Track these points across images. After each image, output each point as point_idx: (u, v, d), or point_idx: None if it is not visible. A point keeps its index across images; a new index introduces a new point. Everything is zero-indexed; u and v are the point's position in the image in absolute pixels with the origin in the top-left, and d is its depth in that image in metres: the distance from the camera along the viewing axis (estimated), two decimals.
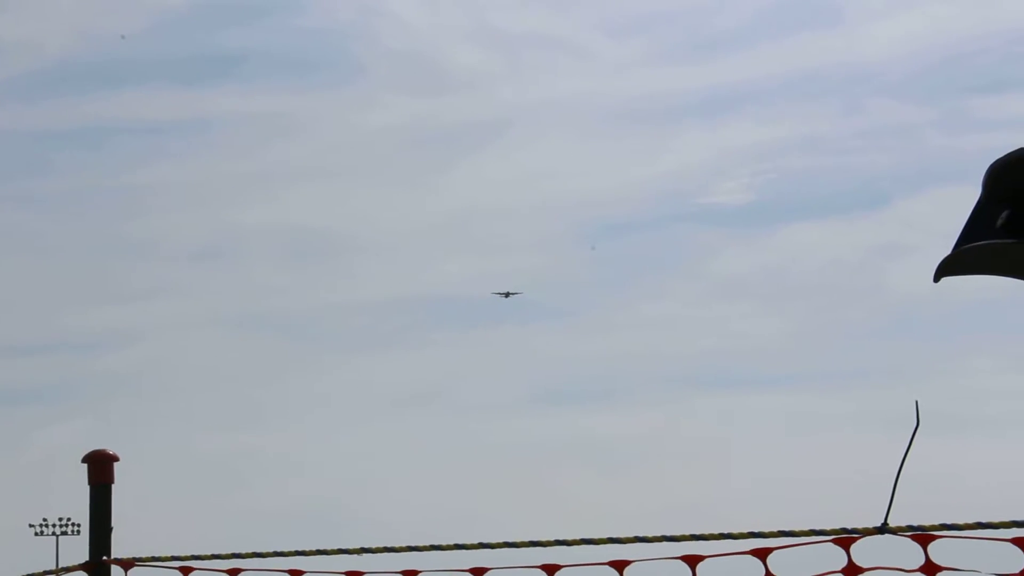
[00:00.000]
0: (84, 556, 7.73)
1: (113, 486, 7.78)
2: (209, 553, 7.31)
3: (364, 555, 6.91)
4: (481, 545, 6.60)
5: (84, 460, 7.83)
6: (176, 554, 7.40)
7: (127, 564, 7.58)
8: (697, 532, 6.08)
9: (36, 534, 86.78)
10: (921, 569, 5.81)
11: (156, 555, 7.50)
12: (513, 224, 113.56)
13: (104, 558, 7.61)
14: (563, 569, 6.46)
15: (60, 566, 7.92)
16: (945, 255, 3.81)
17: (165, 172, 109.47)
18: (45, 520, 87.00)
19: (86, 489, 7.79)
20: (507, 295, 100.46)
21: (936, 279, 3.85)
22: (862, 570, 5.93)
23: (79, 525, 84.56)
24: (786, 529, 5.95)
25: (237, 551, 7.21)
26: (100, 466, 7.81)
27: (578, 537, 6.40)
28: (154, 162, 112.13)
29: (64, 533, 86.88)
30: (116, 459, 7.90)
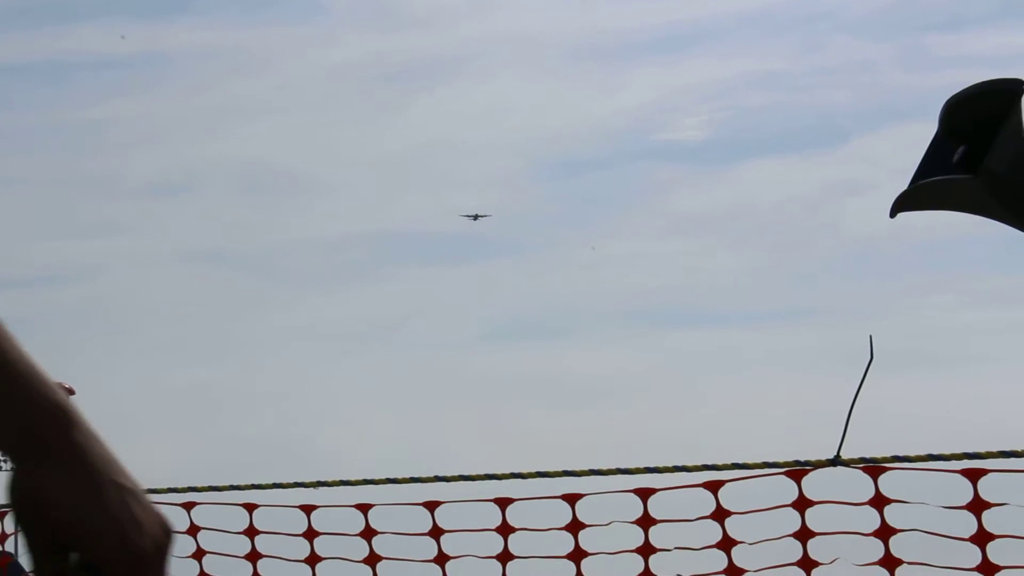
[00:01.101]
0: None
1: None
2: (165, 487, 7.33)
3: (320, 489, 6.95)
4: (437, 478, 6.64)
5: None
6: None
7: None
8: (651, 465, 6.13)
9: None
10: (871, 501, 5.87)
11: None
12: (471, 160, 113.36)
13: None
14: (516, 502, 6.50)
15: None
16: (902, 191, 3.83)
17: (123, 107, 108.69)
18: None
19: None
20: (475, 217, 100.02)
21: (892, 215, 3.87)
22: (813, 503, 5.99)
23: None
24: (739, 462, 6.00)
25: (193, 484, 7.23)
26: None
27: (533, 470, 6.45)
28: (112, 97, 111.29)
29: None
30: (72, 392, 7.88)
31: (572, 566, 6.38)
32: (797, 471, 5.98)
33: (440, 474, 6.64)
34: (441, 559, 6.64)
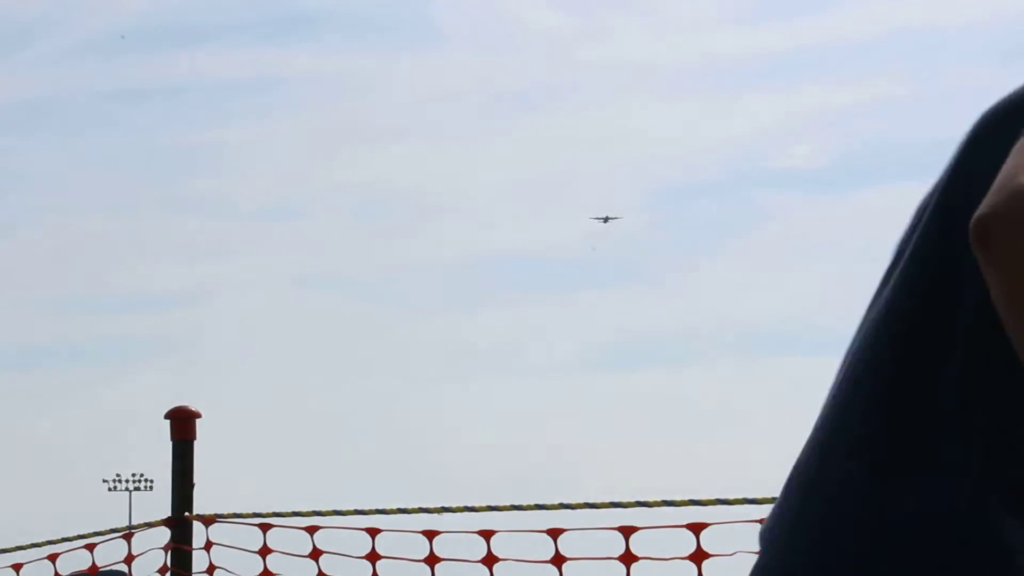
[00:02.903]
0: (157, 511, 7.81)
1: (195, 443, 7.85)
2: (290, 511, 7.38)
3: (444, 514, 6.95)
4: (561, 506, 6.62)
5: (167, 416, 7.90)
6: (257, 511, 7.46)
7: (208, 520, 7.65)
8: (776, 496, 6.05)
9: (109, 489, 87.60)
10: None
11: (237, 512, 7.57)
12: (583, 185, 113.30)
13: (186, 514, 7.68)
14: (641, 531, 6.46)
15: (133, 521, 8.00)
16: None
17: (238, 130, 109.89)
18: (119, 476, 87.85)
19: (159, 445, 7.87)
20: (606, 220, 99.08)
21: None
22: None
23: (152, 481, 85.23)
24: None
25: (317, 508, 7.27)
26: (183, 423, 7.88)
27: (659, 499, 6.40)
28: (227, 120, 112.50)
29: (137, 488, 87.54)
30: (198, 416, 7.97)
31: None
32: None
33: (565, 501, 6.63)
34: None
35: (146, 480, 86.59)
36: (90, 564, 7.92)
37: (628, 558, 6.42)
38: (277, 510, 7.43)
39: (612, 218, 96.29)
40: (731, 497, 6.22)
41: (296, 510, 7.36)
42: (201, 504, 7.77)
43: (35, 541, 8.09)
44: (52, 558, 7.98)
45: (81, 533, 7.97)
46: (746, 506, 6.19)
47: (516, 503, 6.72)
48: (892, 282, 2.02)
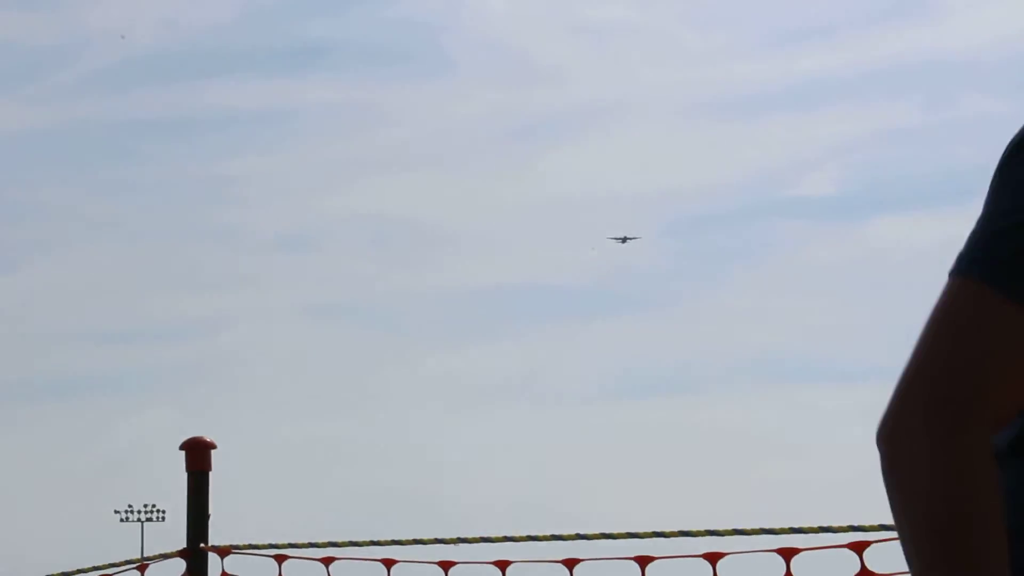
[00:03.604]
0: (170, 542, 7.80)
1: (211, 473, 7.84)
2: (305, 541, 7.36)
3: (460, 545, 6.93)
4: (578, 536, 6.59)
5: (182, 447, 7.89)
6: (273, 542, 7.45)
7: (224, 552, 7.63)
8: (796, 525, 6.04)
9: (121, 520, 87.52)
10: None
11: (253, 543, 7.55)
12: (597, 216, 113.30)
13: (201, 545, 7.67)
14: (657, 560, 6.44)
15: (146, 552, 7.99)
16: None
17: (252, 161, 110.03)
18: (130, 507, 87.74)
19: (173, 475, 7.85)
20: (624, 240, 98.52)
21: None
22: None
23: (164, 511, 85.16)
24: (887, 523, 5.88)
25: (333, 539, 7.25)
26: (198, 453, 7.87)
27: (676, 529, 6.38)
28: (241, 151, 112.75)
29: (149, 520, 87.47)
30: (213, 447, 7.96)
31: None
32: None
33: (581, 532, 6.61)
34: None
35: (158, 511, 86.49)
36: None
37: None
38: (293, 541, 7.42)
39: (630, 238, 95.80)
40: (748, 527, 6.20)
41: (312, 541, 7.34)
42: (216, 535, 7.77)
43: (50, 573, 8.08)
44: None
45: (96, 564, 7.97)
46: (763, 536, 6.17)
47: (532, 533, 6.71)
48: None
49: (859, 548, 5.93)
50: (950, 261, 1.89)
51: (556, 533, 6.66)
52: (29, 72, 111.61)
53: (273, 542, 7.46)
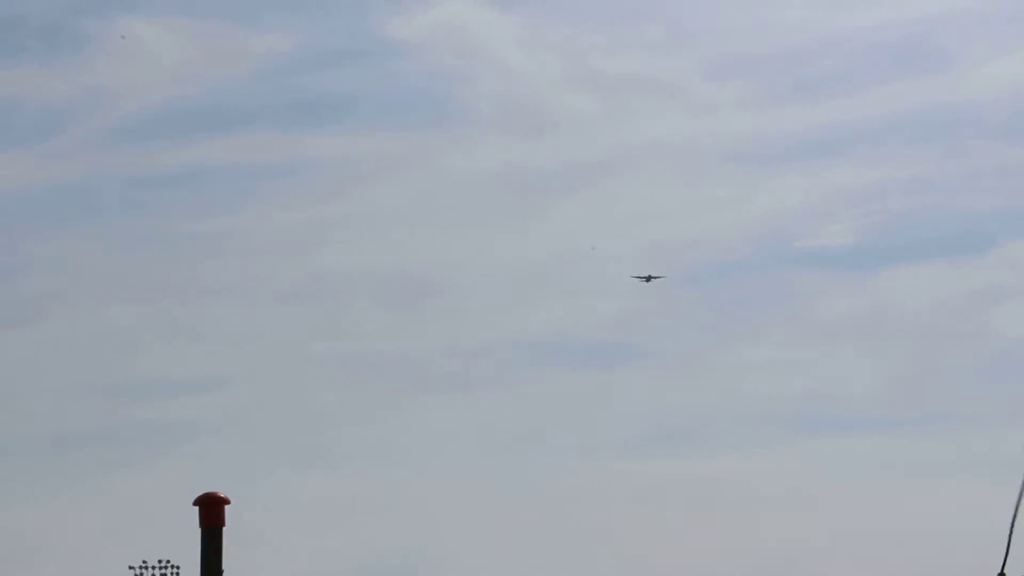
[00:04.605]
0: None
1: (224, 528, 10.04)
2: None
3: None
4: None
5: (196, 503, 10.14)
6: None
7: None
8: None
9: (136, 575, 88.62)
10: None
11: None
12: (612, 266, 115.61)
13: None
14: None
15: None
16: None
17: (260, 214, 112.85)
18: (145, 562, 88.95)
19: (187, 530, 10.13)
20: (648, 279, 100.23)
21: None
22: None
23: (178, 567, 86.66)
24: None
25: None
26: (212, 509, 9.98)
27: None
28: (250, 204, 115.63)
29: (164, 575, 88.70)
30: (227, 502, 10.28)
31: None
32: None
33: None
34: None
35: (172, 566, 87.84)
36: None
37: None
38: None
39: (655, 277, 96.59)
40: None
41: None
42: None
43: None
44: None
45: None
46: None
47: None
48: None
49: None
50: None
51: None
52: (43, 128, 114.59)
53: None
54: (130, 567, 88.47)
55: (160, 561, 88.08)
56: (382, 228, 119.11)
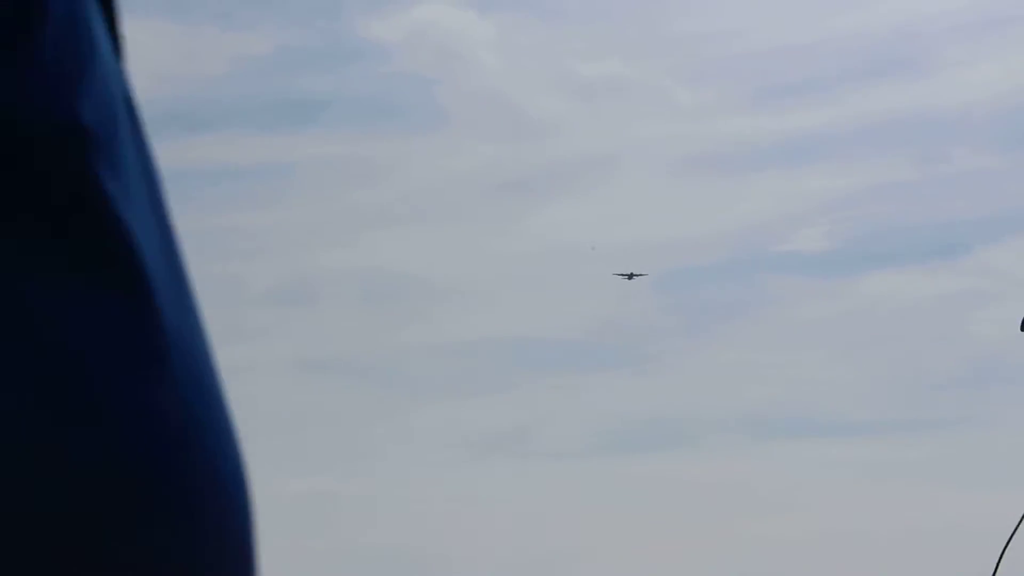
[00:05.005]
0: None
1: None
2: None
3: None
4: None
5: None
6: None
7: None
8: None
9: None
10: None
11: None
12: (589, 270, 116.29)
13: None
14: None
15: None
16: None
17: (243, 216, 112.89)
18: None
19: None
20: (631, 276, 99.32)
21: (1023, 328, 3.69)
22: None
23: None
24: None
25: None
26: None
27: None
28: (232, 207, 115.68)
29: None
30: None
31: None
32: None
33: None
34: None
35: None
36: None
37: None
38: None
39: (637, 275, 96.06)
40: None
41: None
42: None
43: None
44: None
45: None
46: None
47: None
48: None
49: None
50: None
51: None
52: None
53: None
54: None
55: None
56: (361, 230, 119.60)
